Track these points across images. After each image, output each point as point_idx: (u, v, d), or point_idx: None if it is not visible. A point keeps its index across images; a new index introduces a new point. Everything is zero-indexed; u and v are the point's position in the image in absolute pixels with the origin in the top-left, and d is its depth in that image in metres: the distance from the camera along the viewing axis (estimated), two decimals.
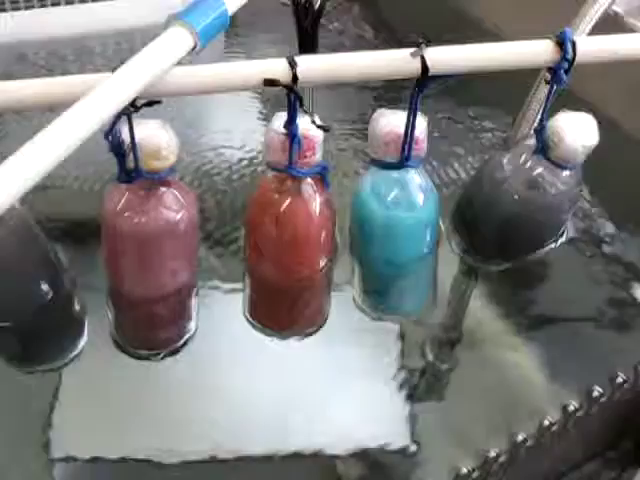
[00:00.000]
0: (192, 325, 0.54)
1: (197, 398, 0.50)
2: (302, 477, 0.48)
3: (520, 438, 0.48)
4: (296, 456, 0.48)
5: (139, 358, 0.52)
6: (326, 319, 0.56)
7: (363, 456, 0.48)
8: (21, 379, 0.52)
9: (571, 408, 0.50)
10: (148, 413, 0.49)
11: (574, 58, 0.47)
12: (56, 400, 0.49)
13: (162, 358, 0.52)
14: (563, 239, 0.61)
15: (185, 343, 0.53)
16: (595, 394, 0.51)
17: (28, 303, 0.54)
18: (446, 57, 0.46)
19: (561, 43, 0.47)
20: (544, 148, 0.53)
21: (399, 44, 0.47)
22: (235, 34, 0.87)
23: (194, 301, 0.56)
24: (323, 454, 0.48)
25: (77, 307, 0.56)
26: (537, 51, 0.48)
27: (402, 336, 0.55)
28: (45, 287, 0.54)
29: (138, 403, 0.50)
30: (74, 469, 0.46)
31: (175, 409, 0.50)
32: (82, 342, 0.53)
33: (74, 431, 0.48)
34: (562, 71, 0.48)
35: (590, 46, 0.49)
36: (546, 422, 0.49)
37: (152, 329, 0.56)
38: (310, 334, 0.55)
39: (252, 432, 0.49)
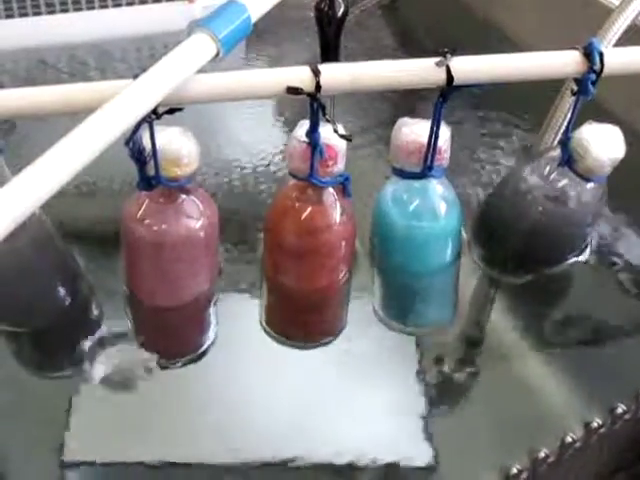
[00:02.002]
0: (210, 333, 0.54)
1: (214, 406, 0.50)
2: None
3: (542, 455, 0.48)
4: (313, 465, 0.47)
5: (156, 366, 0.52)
6: (345, 329, 0.55)
7: (380, 468, 0.47)
8: (38, 384, 0.52)
9: (594, 425, 0.49)
10: (164, 420, 0.49)
11: (602, 69, 0.47)
12: (72, 405, 0.49)
13: (180, 366, 0.52)
14: (586, 252, 0.60)
15: (203, 351, 0.53)
16: (619, 411, 0.50)
17: (46, 308, 0.54)
18: (471, 67, 0.46)
19: (588, 54, 0.47)
20: (569, 160, 0.53)
21: (422, 53, 0.46)
22: (257, 41, 0.86)
23: (213, 310, 0.55)
24: (340, 464, 0.47)
25: (95, 313, 0.56)
26: (564, 62, 0.47)
27: (422, 348, 0.54)
28: (63, 293, 0.54)
29: (154, 410, 0.50)
30: (88, 474, 0.46)
31: (191, 417, 0.49)
32: None
33: (89, 436, 0.48)
34: (589, 82, 0.47)
35: (617, 57, 0.48)
36: (568, 439, 0.49)
37: (170, 337, 0.56)
38: (329, 344, 0.54)
39: (268, 441, 0.48)
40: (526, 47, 0.48)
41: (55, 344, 0.54)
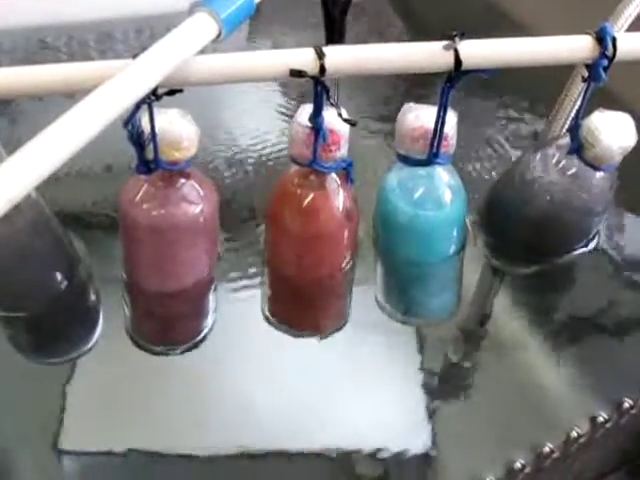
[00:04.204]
0: (210, 321, 0.54)
1: (212, 395, 0.50)
2: (318, 478, 0.47)
3: (546, 449, 0.47)
4: (312, 456, 0.47)
5: (154, 353, 0.52)
6: (347, 318, 0.55)
7: (381, 459, 0.47)
8: (34, 370, 0.51)
9: (600, 420, 0.49)
10: (161, 408, 0.49)
11: (614, 55, 0.46)
12: (68, 392, 0.49)
13: (178, 353, 0.51)
14: (594, 243, 0.60)
15: (202, 339, 0.52)
16: (625, 405, 0.50)
17: (43, 293, 0.53)
18: (480, 51, 0.45)
19: (600, 39, 0.46)
20: (578, 148, 0.52)
21: (429, 36, 0.45)
22: (260, 22, 0.86)
23: (212, 296, 0.55)
24: (340, 455, 0.47)
25: (92, 299, 0.56)
26: (576, 47, 0.46)
27: (424, 338, 0.54)
28: (60, 277, 0.54)
29: (152, 398, 0.49)
30: (85, 461, 0.46)
31: (189, 405, 0.49)
32: (96, 334, 0.52)
33: (85, 424, 0.48)
34: (601, 68, 0.46)
35: (631, 43, 0.47)
36: (574, 433, 0.48)
37: (168, 324, 0.55)
38: (330, 333, 0.54)
39: (268, 430, 0.48)
40: (536, 32, 0.47)
41: (52, 329, 0.53)
